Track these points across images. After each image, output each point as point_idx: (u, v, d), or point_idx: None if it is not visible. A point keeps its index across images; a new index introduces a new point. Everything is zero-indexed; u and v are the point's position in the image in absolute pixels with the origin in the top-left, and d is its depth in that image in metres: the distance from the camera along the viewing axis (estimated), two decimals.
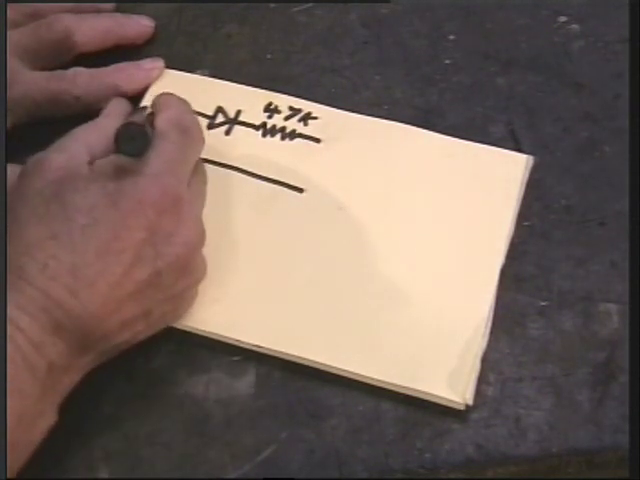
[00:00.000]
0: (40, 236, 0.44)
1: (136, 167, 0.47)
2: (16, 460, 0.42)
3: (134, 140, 0.47)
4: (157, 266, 0.45)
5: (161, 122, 0.50)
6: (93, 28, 0.58)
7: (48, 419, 0.43)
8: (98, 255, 0.44)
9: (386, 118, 0.57)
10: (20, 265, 0.43)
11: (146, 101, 0.58)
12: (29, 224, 0.44)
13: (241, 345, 0.49)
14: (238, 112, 0.58)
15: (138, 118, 0.52)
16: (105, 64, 0.58)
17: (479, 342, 0.49)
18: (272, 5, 0.63)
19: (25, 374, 0.41)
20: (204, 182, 0.53)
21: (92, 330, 0.43)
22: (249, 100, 0.58)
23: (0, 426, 0.40)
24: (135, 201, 0.45)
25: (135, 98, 0.58)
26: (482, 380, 0.48)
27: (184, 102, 0.53)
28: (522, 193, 0.54)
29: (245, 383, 0.48)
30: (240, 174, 0.55)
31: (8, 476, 0.41)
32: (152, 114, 0.52)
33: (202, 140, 0.52)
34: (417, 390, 0.47)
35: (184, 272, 0.47)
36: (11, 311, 0.42)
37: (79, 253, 0.43)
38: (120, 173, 0.47)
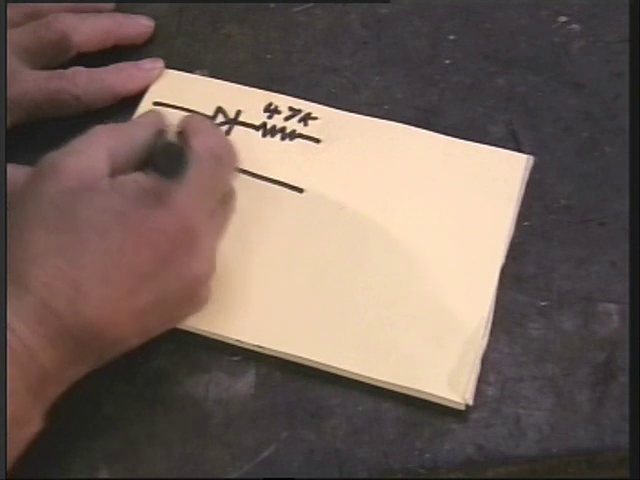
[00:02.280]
0: (47, 247, 0.43)
1: (161, 193, 0.45)
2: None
3: (173, 162, 0.45)
4: (162, 296, 0.44)
5: (198, 147, 0.47)
6: (93, 28, 0.58)
7: (35, 426, 0.43)
8: (105, 278, 0.43)
9: (386, 118, 0.57)
10: (23, 274, 0.42)
11: (146, 102, 0.58)
12: (37, 232, 0.43)
13: (241, 345, 0.49)
14: (238, 112, 0.58)
15: (168, 136, 0.49)
16: (105, 64, 0.58)
17: (479, 342, 0.49)
18: (272, 5, 0.63)
19: (19, 382, 0.41)
20: (230, 211, 0.50)
21: (88, 344, 0.43)
22: (249, 100, 0.58)
23: (0, 426, 0.40)
24: (151, 231, 0.44)
25: (135, 98, 0.58)
26: (482, 380, 0.48)
27: (218, 128, 0.52)
28: (522, 193, 0.54)
29: (245, 383, 0.48)
30: (240, 174, 0.55)
31: None
32: (181, 134, 0.49)
33: (235, 169, 0.50)
34: (417, 390, 0.47)
35: (188, 302, 0.46)
36: (11, 319, 0.41)
37: (86, 273, 0.42)
38: (143, 197, 0.44)
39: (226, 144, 0.49)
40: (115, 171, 0.46)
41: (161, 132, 0.49)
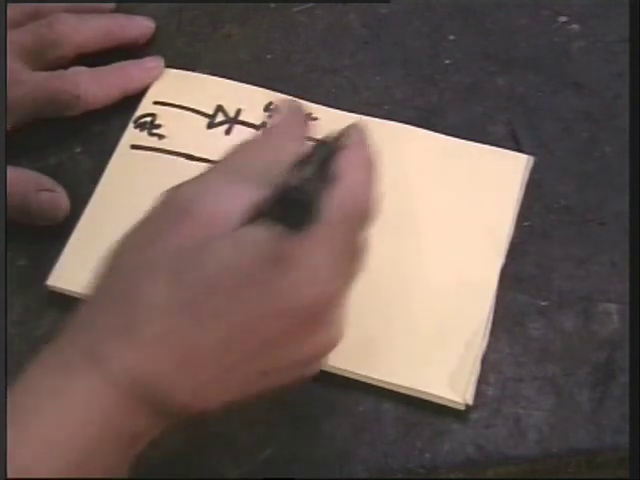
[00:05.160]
0: (166, 303, 0.38)
1: (293, 255, 0.38)
2: None
3: (294, 213, 0.38)
4: (279, 361, 0.40)
5: (339, 196, 0.39)
6: (93, 29, 0.59)
7: (120, 476, 0.40)
8: (219, 341, 0.38)
9: (386, 118, 0.57)
10: (136, 327, 0.38)
11: (147, 101, 0.58)
12: (157, 285, 0.38)
13: None
14: (238, 111, 0.58)
15: (317, 153, 0.42)
16: (105, 64, 0.58)
17: (479, 342, 0.49)
18: (272, 5, 0.63)
19: (110, 445, 0.38)
20: (360, 267, 0.42)
21: (194, 403, 0.39)
22: (249, 99, 0.58)
23: (0, 426, 0.40)
24: (276, 304, 0.38)
25: (135, 97, 0.58)
26: (482, 380, 0.48)
27: (372, 164, 0.41)
28: (522, 193, 0.54)
29: None
30: None
31: None
32: (333, 150, 0.42)
33: (372, 219, 0.41)
34: (417, 390, 0.48)
35: (301, 369, 0.41)
36: (117, 373, 0.38)
37: (200, 334, 0.38)
38: (269, 260, 0.38)
39: (370, 189, 0.41)
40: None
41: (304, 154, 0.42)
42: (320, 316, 0.40)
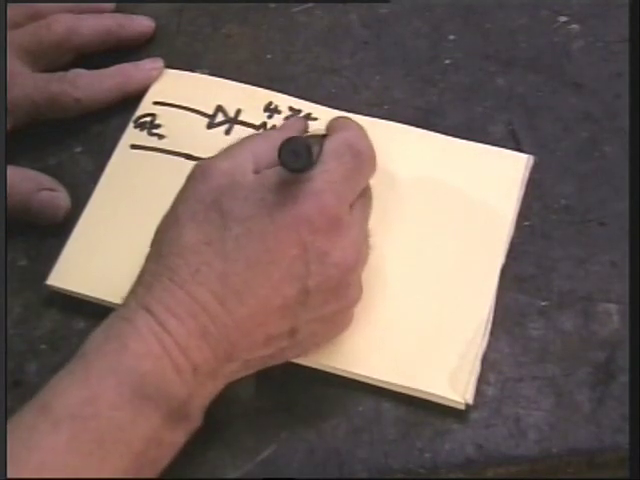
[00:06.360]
0: (195, 241, 0.43)
1: (300, 182, 0.45)
2: (159, 460, 0.42)
3: (296, 155, 0.44)
4: (306, 284, 0.44)
5: (334, 141, 0.48)
6: (93, 29, 0.59)
7: (193, 422, 0.43)
8: (248, 266, 0.43)
9: (386, 118, 0.57)
10: (173, 267, 0.43)
11: (146, 101, 0.58)
12: (187, 227, 0.44)
13: None
14: (238, 111, 0.58)
15: (312, 137, 0.49)
16: (105, 64, 0.58)
17: (479, 342, 0.49)
18: (272, 5, 0.63)
19: (172, 375, 0.41)
20: (369, 206, 0.50)
21: (237, 340, 0.43)
22: (249, 99, 0.58)
23: (0, 426, 0.40)
24: (290, 216, 0.44)
25: (135, 98, 0.58)
26: (482, 380, 0.48)
27: (360, 127, 0.50)
28: (522, 193, 0.54)
29: (245, 383, 0.48)
30: None
31: (152, 475, 0.42)
32: (325, 136, 0.49)
33: (374, 167, 0.49)
34: (417, 390, 0.48)
35: (334, 294, 0.45)
36: (160, 313, 0.42)
37: (230, 262, 0.43)
38: (282, 186, 0.45)
39: (366, 142, 0.49)
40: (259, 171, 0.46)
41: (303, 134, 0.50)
42: (332, 230, 0.44)
